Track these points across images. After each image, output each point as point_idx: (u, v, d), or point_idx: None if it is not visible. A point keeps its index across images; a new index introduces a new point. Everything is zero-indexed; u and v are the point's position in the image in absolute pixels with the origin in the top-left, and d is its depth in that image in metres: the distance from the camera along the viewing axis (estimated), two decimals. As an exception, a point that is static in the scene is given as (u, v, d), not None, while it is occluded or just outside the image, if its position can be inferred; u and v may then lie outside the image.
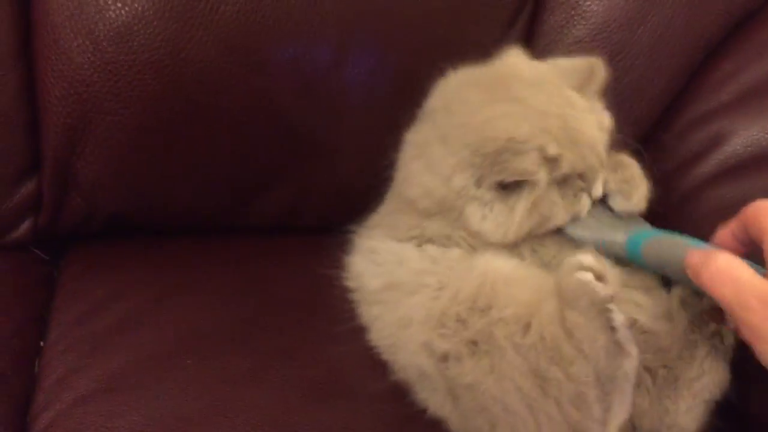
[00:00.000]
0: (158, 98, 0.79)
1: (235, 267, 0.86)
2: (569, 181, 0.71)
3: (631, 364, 0.61)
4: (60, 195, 0.84)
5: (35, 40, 0.78)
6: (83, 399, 0.69)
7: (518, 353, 0.62)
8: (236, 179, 0.89)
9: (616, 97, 0.78)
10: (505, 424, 0.63)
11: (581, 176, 0.71)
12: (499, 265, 0.68)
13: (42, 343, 0.76)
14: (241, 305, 0.80)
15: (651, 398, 0.66)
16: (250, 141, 0.85)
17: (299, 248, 0.90)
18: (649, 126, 0.90)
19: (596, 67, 0.74)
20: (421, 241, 0.75)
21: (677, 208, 0.80)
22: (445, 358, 0.66)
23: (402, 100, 0.83)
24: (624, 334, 0.61)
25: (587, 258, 0.63)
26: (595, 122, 0.72)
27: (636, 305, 0.66)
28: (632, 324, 0.63)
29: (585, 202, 0.72)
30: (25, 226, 0.86)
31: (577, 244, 0.72)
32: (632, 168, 0.75)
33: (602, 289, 0.61)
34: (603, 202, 0.74)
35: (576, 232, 0.72)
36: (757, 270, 0.55)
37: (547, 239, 0.73)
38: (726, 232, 0.62)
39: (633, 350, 0.61)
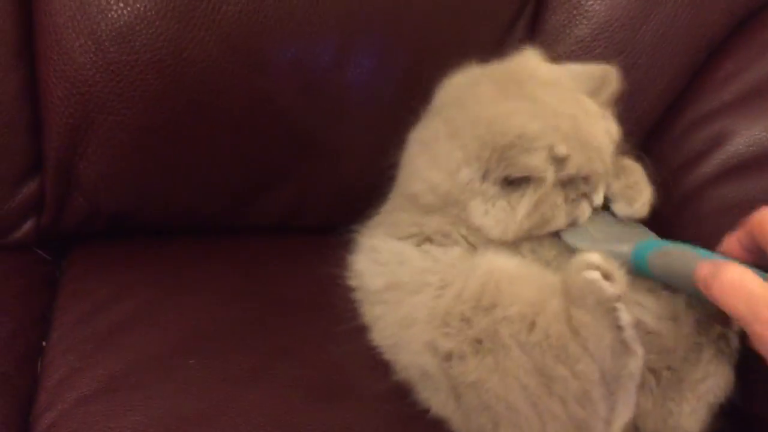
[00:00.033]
0: (160, 98, 0.79)
1: (237, 267, 0.86)
2: (573, 184, 0.71)
3: (636, 363, 0.61)
4: (62, 195, 0.84)
5: (37, 40, 0.79)
6: (86, 399, 0.69)
7: (523, 351, 0.62)
8: (238, 179, 0.89)
9: (617, 97, 0.78)
10: (508, 423, 0.63)
11: (585, 180, 0.71)
12: (503, 264, 0.68)
13: (44, 343, 0.76)
14: (244, 305, 0.80)
15: (654, 399, 0.65)
16: (252, 141, 0.86)
17: (301, 248, 0.90)
18: (652, 125, 0.90)
19: (610, 76, 0.74)
20: (420, 239, 0.75)
21: (679, 207, 0.80)
22: (448, 356, 0.65)
23: (404, 100, 0.83)
24: (630, 334, 0.61)
25: (595, 256, 0.63)
26: (604, 128, 0.73)
27: (640, 306, 0.66)
28: (637, 324, 0.62)
29: (585, 208, 0.73)
30: (27, 226, 0.87)
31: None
32: (636, 173, 0.75)
33: (610, 288, 0.61)
34: (607, 212, 0.74)
35: (578, 242, 0.71)
36: (763, 278, 0.54)
37: (545, 241, 0.73)
38: (732, 239, 0.62)
39: (638, 350, 0.61)
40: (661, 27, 0.88)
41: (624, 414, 0.62)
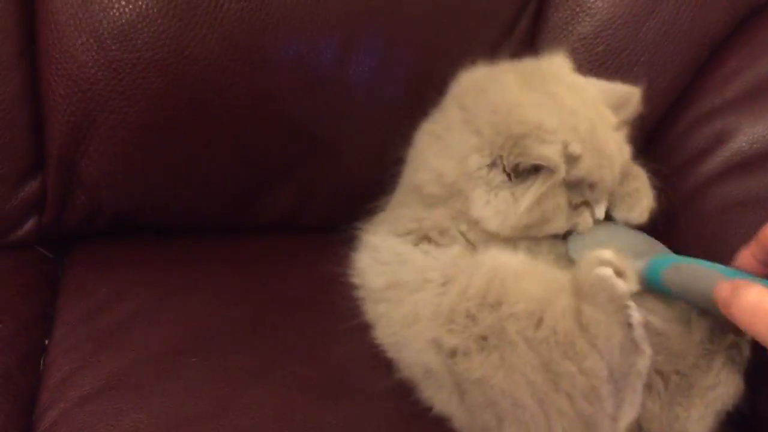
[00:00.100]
0: (162, 96, 0.79)
1: (239, 265, 0.86)
2: (578, 188, 0.71)
3: (644, 362, 0.61)
4: (64, 193, 0.84)
5: (39, 38, 0.79)
6: (88, 397, 0.68)
7: (530, 348, 0.62)
8: (240, 178, 0.89)
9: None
10: (513, 419, 0.63)
11: (591, 187, 0.71)
12: (508, 260, 0.68)
13: (46, 342, 0.76)
14: (245, 304, 0.80)
15: (662, 403, 0.65)
16: (253, 139, 0.86)
17: (303, 246, 0.90)
18: (654, 123, 0.89)
19: (633, 97, 0.75)
20: (418, 237, 0.75)
21: (682, 205, 0.80)
22: (453, 353, 0.65)
23: (406, 98, 0.84)
24: (640, 333, 0.61)
25: (607, 253, 0.64)
26: (619, 141, 0.73)
27: (648, 309, 0.66)
28: (645, 324, 0.62)
29: (586, 217, 0.73)
30: (29, 224, 0.87)
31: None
32: (639, 179, 0.75)
33: (622, 285, 0.61)
34: (619, 225, 0.74)
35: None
36: None
37: (544, 243, 0.73)
38: (746, 254, 0.61)
39: (647, 349, 0.61)
40: (664, 24, 0.88)
41: (630, 412, 0.62)
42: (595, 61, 0.88)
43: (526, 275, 0.66)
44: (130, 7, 0.76)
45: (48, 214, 0.86)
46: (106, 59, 0.77)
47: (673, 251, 0.72)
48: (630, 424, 0.63)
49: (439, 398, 0.68)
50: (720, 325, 0.65)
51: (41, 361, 0.74)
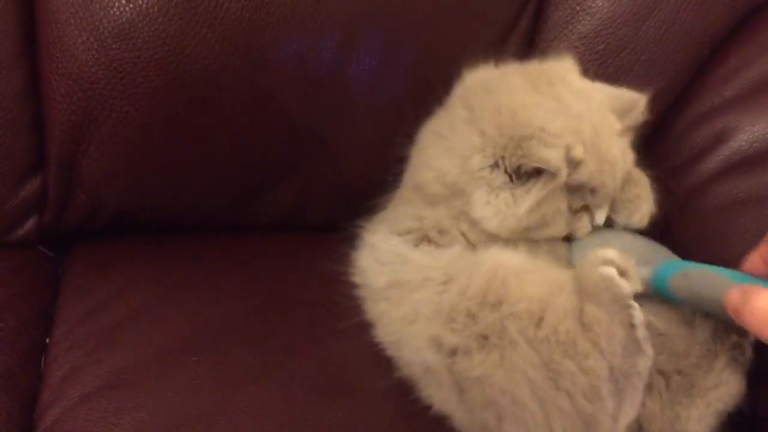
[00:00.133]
0: (162, 95, 0.79)
1: (240, 264, 0.86)
2: (579, 193, 0.71)
3: (645, 363, 0.61)
4: (65, 192, 0.84)
5: (40, 37, 0.79)
6: (89, 396, 0.69)
7: (531, 346, 0.62)
8: (240, 177, 0.89)
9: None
10: (512, 418, 0.63)
11: (592, 192, 0.72)
12: (508, 259, 0.68)
13: (47, 340, 0.76)
14: (246, 302, 0.80)
15: (663, 403, 0.65)
16: (254, 138, 0.86)
17: (304, 245, 0.90)
18: (654, 122, 0.89)
19: (639, 104, 0.75)
20: (418, 236, 0.75)
21: (682, 204, 0.80)
22: (453, 352, 0.66)
23: (406, 98, 0.84)
24: (643, 333, 0.61)
25: (611, 252, 0.64)
26: (623, 148, 0.73)
27: (649, 310, 0.66)
28: (647, 325, 0.62)
29: (585, 223, 0.73)
30: (30, 223, 0.87)
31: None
32: (641, 185, 0.76)
33: (625, 285, 0.61)
34: (625, 231, 0.74)
35: None
36: None
37: (543, 247, 0.73)
38: (755, 257, 0.61)
39: (649, 349, 0.61)
40: (664, 24, 0.88)
41: (630, 412, 0.62)
42: (596, 60, 0.88)
43: (526, 274, 0.66)
44: (131, 6, 0.76)
45: (48, 213, 0.86)
46: (107, 58, 0.77)
47: (672, 250, 0.72)
48: (630, 423, 0.64)
49: (439, 397, 0.68)
50: (723, 326, 0.65)
51: (42, 360, 0.74)
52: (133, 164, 0.83)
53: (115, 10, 0.76)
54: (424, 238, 0.75)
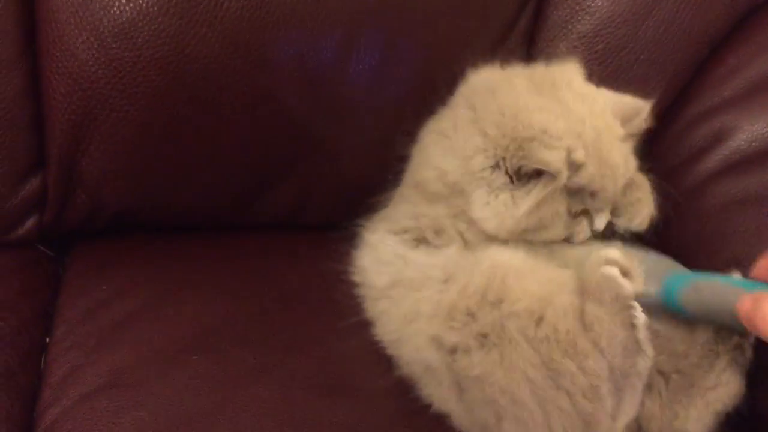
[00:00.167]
0: (163, 94, 0.79)
1: (240, 263, 0.86)
2: (579, 196, 0.72)
3: (645, 363, 0.61)
4: (65, 192, 0.84)
5: (40, 37, 0.79)
6: (89, 395, 0.69)
7: (531, 346, 0.63)
8: (240, 176, 0.89)
9: (620, 92, 0.79)
10: (511, 417, 0.63)
11: (592, 196, 0.72)
12: (509, 259, 0.68)
13: (48, 340, 0.76)
14: (246, 301, 0.80)
15: (662, 402, 0.66)
16: (254, 138, 0.86)
17: (304, 244, 0.90)
18: (654, 121, 0.90)
19: (643, 110, 0.75)
20: (415, 237, 0.75)
21: (681, 203, 0.80)
22: (453, 350, 0.66)
23: (406, 97, 0.84)
24: (644, 333, 0.61)
25: (614, 253, 0.64)
26: (624, 153, 0.73)
27: (649, 311, 0.66)
28: (648, 327, 0.63)
29: (584, 227, 0.73)
30: (30, 223, 0.87)
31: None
32: (642, 189, 0.76)
33: (628, 286, 0.62)
34: (629, 247, 0.73)
35: None
36: None
37: (541, 247, 0.73)
38: (763, 263, 0.61)
39: (649, 350, 0.61)
40: (663, 23, 0.88)
41: (629, 411, 0.63)
42: (595, 60, 0.88)
43: (527, 273, 0.67)
44: (131, 5, 0.76)
45: (49, 212, 0.86)
46: (107, 58, 0.77)
47: (671, 250, 0.72)
48: (629, 422, 0.64)
49: (439, 395, 0.68)
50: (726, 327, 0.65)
51: (42, 359, 0.74)
52: (133, 164, 0.84)
53: (115, 9, 0.77)
54: (421, 240, 0.75)
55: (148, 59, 0.78)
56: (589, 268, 0.64)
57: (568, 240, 0.74)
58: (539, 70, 0.78)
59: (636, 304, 0.61)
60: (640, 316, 0.61)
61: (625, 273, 0.63)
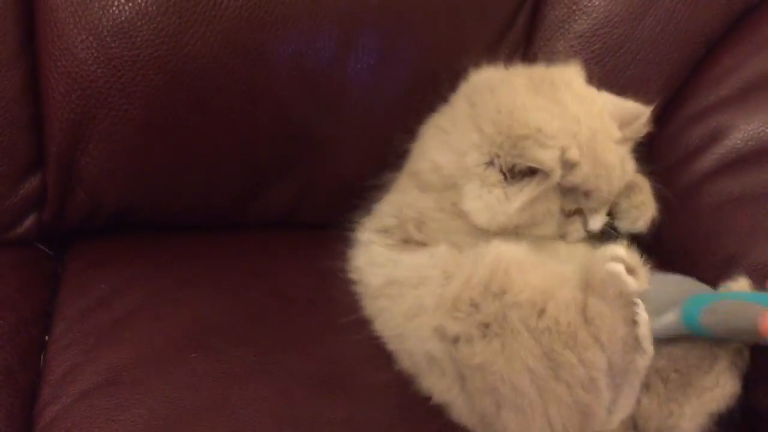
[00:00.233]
0: (161, 93, 0.80)
1: (239, 261, 0.86)
2: (573, 196, 0.72)
3: (644, 361, 0.62)
4: (64, 191, 0.85)
5: (39, 36, 0.79)
6: (88, 393, 0.69)
7: (532, 336, 0.63)
8: (239, 175, 0.89)
9: (617, 91, 0.79)
10: (511, 405, 0.64)
11: (586, 195, 0.72)
12: (512, 251, 0.68)
13: (47, 338, 0.76)
14: (245, 300, 0.80)
15: (659, 401, 0.66)
16: (252, 137, 0.86)
17: (303, 242, 0.90)
18: (651, 120, 0.90)
19: (642, 115, 0.75)
20: (399, 236, 0.75)
21: (677, 202, 0.80)
22: (456, 340, 0.66)
23: (404, 96, 0.84)
24: (644, 331, 0.61)
25: (620, 249, 0.64)
26: (620, 155, 0.74)
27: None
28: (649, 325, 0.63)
29: (577, 227, 0.74)
30: (29, 221, 0.87)
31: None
32: (644, 191, 0.77)
33: (632, 283, 0.62)
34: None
35: None
36: None
37: (545, 244, 0.74)
38: None
39: (649, 348, 0.62)
40: (660, 22, 0.88)
41: (625, 407, 0.63)
42: (592, 59, 0.88)
43: (530, 266, 0.67)
44: (130, 4, 0.77)
45: (48, 211, 0.86)
46: (106, 57, 0.78)
47: (668, 249, 0.73)
48: (625, 419, 0.64)
49: (441, 386, 0.69)
50: None
51: (41, 357, 0.75)
52: (132, 162, 0.84)
53: (114, 8, 0.77)
54: (406, 240, 0.75)
55: (147, 58, 0.78)
56: (595, 264, 0.65)
57: (562, 238, 0.74)
58: (539, 70, 0.79)
59: (639, 302, 0.62)
60: (643, 314, 0.61)
61: (630, 270, 0.63)
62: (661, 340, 0.65)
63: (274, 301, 0.80)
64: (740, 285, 0.67)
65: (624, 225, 0.76)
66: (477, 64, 0.79)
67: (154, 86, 0.79)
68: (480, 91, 0.76)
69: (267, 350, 0.74)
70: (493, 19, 0.89)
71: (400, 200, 0.78)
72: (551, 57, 0.83)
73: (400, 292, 0.72)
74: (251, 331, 0.76)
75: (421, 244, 0.75)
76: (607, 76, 0.87)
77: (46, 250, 0.89)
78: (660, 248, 0.75)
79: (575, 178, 0.70)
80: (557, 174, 0.69)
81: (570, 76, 0.77)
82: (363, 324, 0.75)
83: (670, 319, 0.64)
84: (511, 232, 0.71)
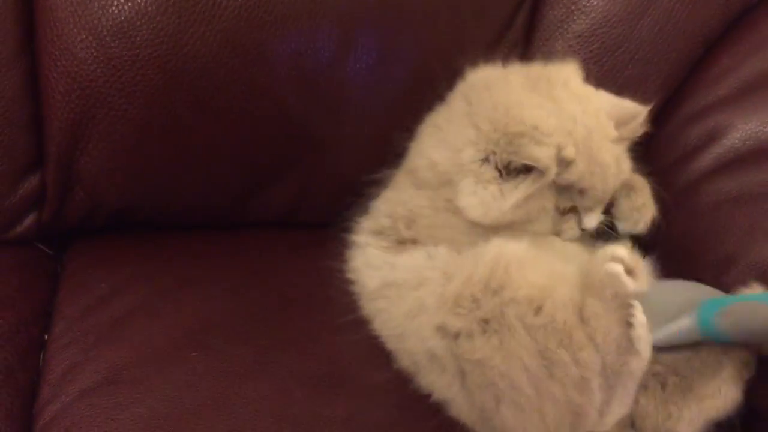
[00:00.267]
0: (161, 93, 0.80)
1: (238, 261, 0.86)
2: (568, 193, 0.72)
3: (639, 363, 0.62)
4: (63, 190, 0.85)
5: (38, 36, 0.79)
6: (88, 392, 0.69)
7: (528, 333, 0.63)
8: (238, 175, 0.89)
9: (615, 91, 0.79)
10: (509, 401, 0.64)
11: (581, 193, 0.72)
12: (512, 248, 0.69)
13: (46, 337, 0.76)
14: (244, 299, 0.80)
15: (657, 402, 0.66)
16: (251, 136, 0.86)
17: (302, 241, 0.90)
18: (649, 120, 0.90)
19: (639, 115, 0.75)
20: (394, 237, 0.75)
21: (675, 202, 0.80)
22: (457, 335, 0.66)
23: (404, 95, 0.84)
24: (639, 333, 0.61)
25: (621, 250, 0.64)
26: (616, 154, 0.74)
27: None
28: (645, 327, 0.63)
29: (572, 225, 0.74)
30: (28, 221, 0.87)
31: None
32: (644, 194, 0.77)
33: (630, 284, 0.62)
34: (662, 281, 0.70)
35: None
36: None
37: (548, 241, 0.74)
38: None
39: (644, 351, 0.62)
40: (658, 22, 0.88)
41: (618, 410, 0.63)
42: (591, 59, 0.88)
43: (530, 265, 0.67)
44: (129, 4, 0.77)
45: (47, 210, 0.86)
46: (105, 56, 0.78)
47: (665, 248, 0.73)
48: (622, 419, 0.64)
49: (441, 383, 0.69)
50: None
51: (41, 356, 0.75)
52: (131, 162, 0.84)
53: (113, 8, 0.77)
54: (401, 241, 0.75)
55: (146, 58, 0.78)
56: (595, 263, 0.65)
57: (557, 235, 0.74)
58: (537, 68, 0.79)
59: (636, 304, 0.62)
60: (639, 316, 0.61)
61: (629, 271, 0.63)
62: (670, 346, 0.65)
63: (274, 300, 0.80)
64: (755, 290, 0.66)
65: (625, 227, 0.77)
66: (474, 63, 0.79)
67: (153, 86, 0.79)
68: (477, 89, 0.76)
69: (267, 349, 0.74)
70: (493, 19, 0.89)
71: (396, 198, 0.78)
72: (550, 57, 0.84)
73: (398, 294, 0.73)
74: (251, 331, 0.76)
75: (412, 242, 0.75)
76: (605, 75, 0.88)
77: (46, 249, 0.89)
78: (658, 247, 0.75)
79: (570, 176, 0.71)
80: (553, 172, 0.69)
81: (567, 74, 0.77)
82: (362, 323, 0.75)
83: (685, 324, 0.63)
84: (506, 228, 0.72)
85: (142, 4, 0.77)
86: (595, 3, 0.89)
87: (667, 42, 0.89)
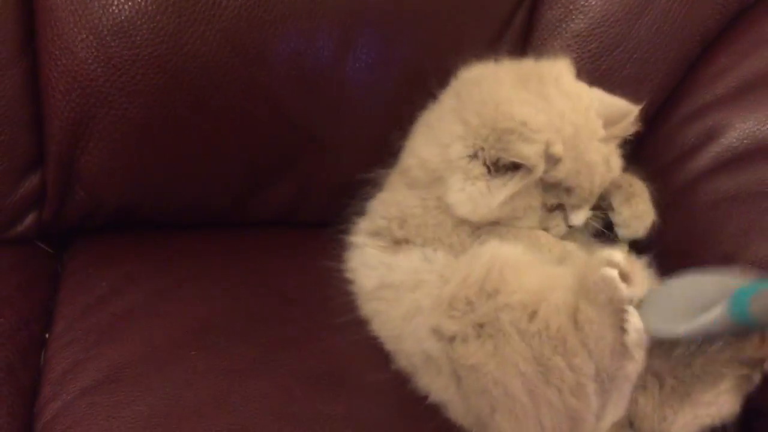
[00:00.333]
0: (161, 92, 0.80)
1: (238, 260, 0.87)
2: (555, 191, 0.72)
3: (634, 368, 0.62)
4: (64, 189, 0.85)
5: (39, 35, 0.79)
6: (89, 390, 0.69)
7: (522, 339, 0.63)
8: (238, 174, 0.89)
9: (613, 90, 0.79)
10: (504, 409, 0.64)
11: (568, 192, 0.72)
12: (508, 252, 0.69)
13: (47, 336, 0.76)
14: (244, 298, 0.80)
15: (654, 404, 0.66)
16: (251, 136, 0.86)
17: (302, 241, 0.91)
18: (646, 119, 0.90)
19: (630, 114, 0.75)
20: (390, 237, 0.76)
21: (673, 201, 0.81)
22: (452, 339, 0.66)
23: (403, 95, 0.84)
24: (633, 338, 0.61)
25: (618, 255, 0.64)
26: (604, 153, 0.74)
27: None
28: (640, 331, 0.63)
29: (559, 222, 0.74)
30: (29, 220, 0.87)
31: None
32: (644, 199, 0.77)
33: (624, 289, 0.62)
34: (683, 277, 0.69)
35: (667, 330, 0.63)
36: None
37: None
38: None
39: (639, 355, 0.62)
40: (656, 22, 0.89)
41: (615, 413, 0.63)
42: (589, 58, 0.89)
43: (525, 268, 0.67)
44: (129, 4, 0.77)
45: (48, 209, 0.86)
46: (106, 56, 0.78)
47: (664, 248, 0.73)
48: (619, 420, 0.64)
49: (437, 385, 0.69)
50: (739, 355, 0.64)
51: (42, 355, 0.75)
52: (131, 161, 0.84)
53: (114, 8, 0.77)
54: (397, 241, 0.76)
55: (146, 57, 0.78)
56: (591, 268, 0.64)
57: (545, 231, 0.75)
58: (527, 65, 0.79)
59: (630, 309, 0.61)
60: (634, 321, 0.61)
61: (624, 277, 0.63)
62: (665, 346, 0.65)
63: (274, 299, 0.80)
64: None
65: (626, 234, 0.77)
66: (468, 62, 0.79)
67: (153, 85, 0.79)
68: (466, 85, 0.76)
69: (267, 348, 0.74)
70: (492, 19, 0.89)
71: (391, 199, 0.78)
72: (548, 56, 0.84)
73: (396, 295, 0.73)
74: (251, 329, 0.76)
75: (405, 242, 0.75)
76: (603, 75, 0.88)
77: (46, 248, 0.89)
78: (656, 247, 0.76)
79: (558, 173, 0.71)
80: (540, 169, 0.69)
81: (559, 71, 0.77)
82: (361, 323, 0.75)
83: (716, 313, 0.61)
84: (493, 224, 0.72)
85: (143, 3, 0.77)
86: (593, 3, 0.89)
87: (665, 41, 0.89)
